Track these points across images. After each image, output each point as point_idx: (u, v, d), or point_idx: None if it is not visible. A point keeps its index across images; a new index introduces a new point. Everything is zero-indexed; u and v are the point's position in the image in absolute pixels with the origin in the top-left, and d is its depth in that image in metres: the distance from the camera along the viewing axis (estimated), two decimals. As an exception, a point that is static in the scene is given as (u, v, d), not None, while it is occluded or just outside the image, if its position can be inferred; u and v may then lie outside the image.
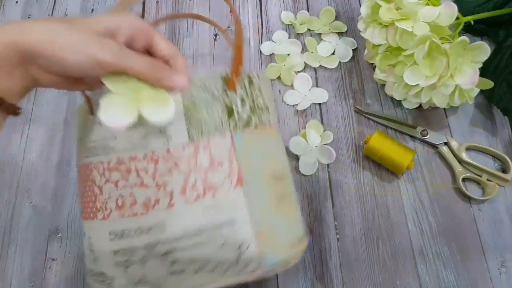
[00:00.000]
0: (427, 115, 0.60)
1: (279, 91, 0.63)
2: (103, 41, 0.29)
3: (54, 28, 0.29)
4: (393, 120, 0.60)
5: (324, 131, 0.60)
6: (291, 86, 0.63)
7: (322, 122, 0.61)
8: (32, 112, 0.64)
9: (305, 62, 0.64)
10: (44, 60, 0.29)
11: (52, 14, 0.72)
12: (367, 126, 0.60)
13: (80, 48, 0.28)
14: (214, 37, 0.68)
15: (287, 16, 0.68)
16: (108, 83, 0.28)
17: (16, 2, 0.74)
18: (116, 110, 0.28)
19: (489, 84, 0.52)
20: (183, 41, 0.68)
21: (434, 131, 0.58)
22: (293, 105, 0.62)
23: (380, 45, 0.55)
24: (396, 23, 0.51)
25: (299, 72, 0.64)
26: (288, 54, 0.65)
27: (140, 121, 0.29)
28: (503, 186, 0.55)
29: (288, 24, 0.68)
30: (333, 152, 0.57)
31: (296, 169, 0.57)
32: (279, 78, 0.64)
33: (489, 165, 0.56)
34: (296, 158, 0.58)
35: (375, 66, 0.60)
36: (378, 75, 0.59)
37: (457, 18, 0.53)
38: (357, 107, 0.61)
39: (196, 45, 0.68)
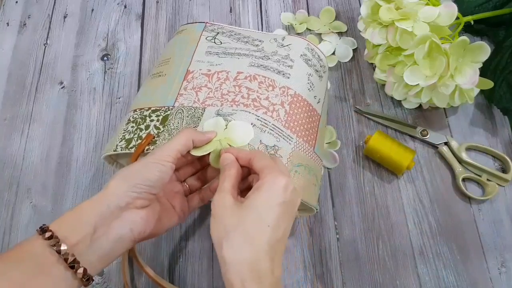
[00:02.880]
0: (427, 115, 0.60)
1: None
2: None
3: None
4: (393, 120, 0.60)
5: (336, 138, 0.59)
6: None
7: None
8: (32, 112, 0.64)
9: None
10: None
11: (52, 14, 0.72)
12: (367, 126, 0.60)
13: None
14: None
15: (286, 17, 0.68)
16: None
17: (16, 2, 0.74)
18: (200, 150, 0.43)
19: (489, 84, 0.52)
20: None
21: (434, 131, 0.58)
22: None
23: (380, 45, 0.55)
24: (396, 23, 0.51)
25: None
26: (288, 54, 0.65)
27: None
28: (503, 186, 0.55)
29: (287, 24, 0.68)
30: (336, 157, 0.57)
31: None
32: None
33: (489, 165, 0.56)
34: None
35: (375, 66, 0.60)
36: (378, 75, 0.59)
37: (457, 18, 0.53)
38: (357, 107, 0.61)
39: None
